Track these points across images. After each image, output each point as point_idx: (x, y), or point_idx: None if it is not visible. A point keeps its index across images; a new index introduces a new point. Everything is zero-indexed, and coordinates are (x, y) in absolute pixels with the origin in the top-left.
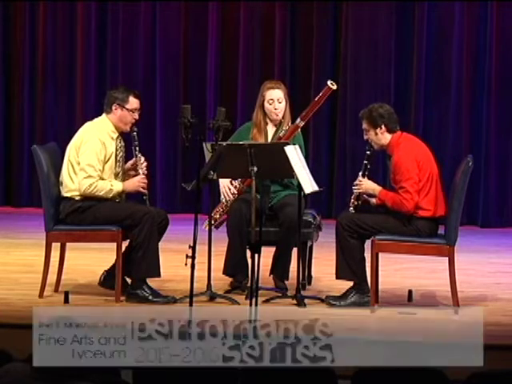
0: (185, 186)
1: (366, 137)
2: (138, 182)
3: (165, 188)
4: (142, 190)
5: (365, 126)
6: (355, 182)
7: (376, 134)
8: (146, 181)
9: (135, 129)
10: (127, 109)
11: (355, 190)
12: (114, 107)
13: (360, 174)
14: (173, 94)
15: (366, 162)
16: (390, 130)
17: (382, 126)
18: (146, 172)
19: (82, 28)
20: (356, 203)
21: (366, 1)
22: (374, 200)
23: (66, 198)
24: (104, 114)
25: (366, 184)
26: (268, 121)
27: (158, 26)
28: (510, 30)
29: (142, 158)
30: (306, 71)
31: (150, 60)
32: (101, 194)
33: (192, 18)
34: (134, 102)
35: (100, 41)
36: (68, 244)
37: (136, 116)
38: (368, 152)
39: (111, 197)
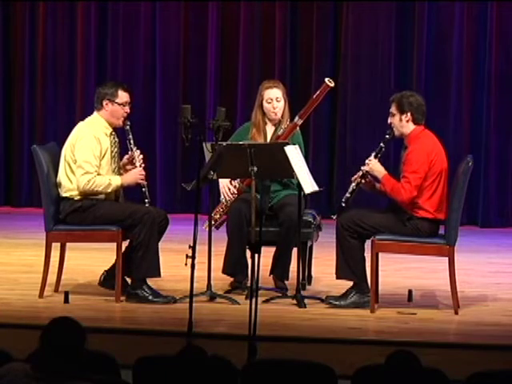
0: (185, 186)
1: (390, 120)
2: (135, 174)
3: (165, 188)
4: (140, 181)
5: (392, 109)
6: (366, 161)
7: (400, 120)
8: (143, 172)
9: (128, 122)
10: (118, 103)
11: (362, 167)
12: (104, 103)
13: (373, 154)
14: (173, 94)
15: (382, 144)
16: (414, 121)
17: (408, 114)
18: (143, 164)
19: (82, 28)
20: (359, 180)
21: (366, 1)
22: (378, 185)
23: (66, 198)
24: (95, 112)
25: (374, 164)
26: (267, 120)
27: (157, 25)
28: (510, 30)
29: (138, 151)
30: (306, 71)
31: (149, 60)
32: (100, 189)
33: (192, 18)
34: (123, 96)
35: (100, 41)
36: (68, 244)
37: (127, 109)
38: (387, 136)
39: (110, 191)
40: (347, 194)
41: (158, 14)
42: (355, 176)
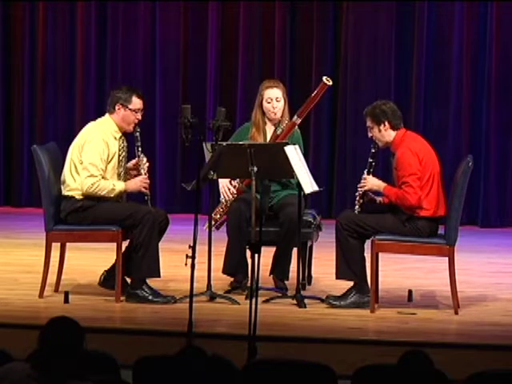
0: (185, 186)
1: (370, 134)
2: (140, 182)
3: (165, 188)
4: (143, 190)
5: (368, 123)
6: (361, 181)
7: (379, 130)
8: (148, 181)
9: (138, 129)
10: (130, 109)
11: (360, 188)
12: (117, 107)
13: (365, 171)
14: (173, 94)
15: (370, 160)
16: (393, 127)
17: (386, 123)
18: (147, 173)
19: (82, 28)
20: (361, 201)
21: (366, 1)
22: (380, 199)
23: (67, 197)
24: (107, 114)
25: (370, 181)
26: (266, 120)
27: (157, 26)
28: (510, 30)
29: (145, 159)
30: (305, 71)
31: (149, 60)
32: (103, 193)
33: (192, 18)
34: (137, 103)
35: (100, 41)
36: (68, 244)
37: (139, 116)
38: (373, 150)
39: (113, 196)
40: None
41: (157, 14)
42: (357, 198)
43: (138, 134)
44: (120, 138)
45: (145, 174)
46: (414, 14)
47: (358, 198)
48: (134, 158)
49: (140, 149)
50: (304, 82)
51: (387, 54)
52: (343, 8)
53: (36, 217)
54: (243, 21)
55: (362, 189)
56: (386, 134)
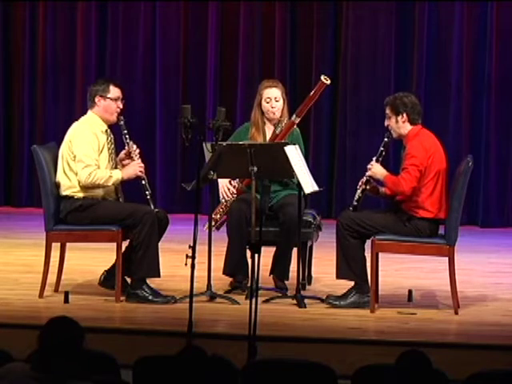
0: (185, 186)
1: (386, 123)
2: (135, 166)
3: (165, 188)
4: (140, 173)
5: (387, 111)
6: (368, 166)
7: (397, 121)
8: (142, 165)
9: (122, 118)
10: (110, 98)
11: (366, 173)
12: (96, 99)
13: (374, 158)
14: (173, 94)
15: (382, 148)
16: (411, 121)
17: (404, 115)
18: (139, 158)
19: (82, 28)
20: (364, 187)
21: (366, 1)
22: (383, 189)
23: (66, 196)
24: (89, 111)
25: (375, 168)
26: (266, 120)
27: (157, 25)
28: (510, 30)
29: (134, 146)
30: (305, 71)
31: (149, 60)
32: (101, 182)
33: (192, 18)
34: (115, 91)
35: (100, 41)
36: (68, 244)
37: (120, 105)
38: (386, 139)
39: (111, 184)
40: (354, 202)
41: (157, 13)
42: (360, 183)
43: (122, 122)
44: (106, 131)
45: (138, 159)
46: (413, 14)
47: (360, 184)
48: (123, 149)
49: (128, 136)
50: (304, 82)
51: (387, 54)
52: (343, 8)
53: (36, 217)
54: (243, 21)
55: (367, 174)
56: (402, 125)
